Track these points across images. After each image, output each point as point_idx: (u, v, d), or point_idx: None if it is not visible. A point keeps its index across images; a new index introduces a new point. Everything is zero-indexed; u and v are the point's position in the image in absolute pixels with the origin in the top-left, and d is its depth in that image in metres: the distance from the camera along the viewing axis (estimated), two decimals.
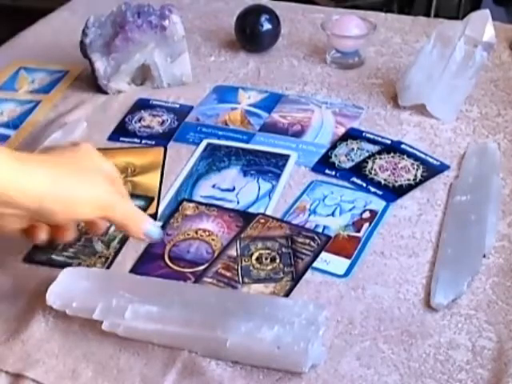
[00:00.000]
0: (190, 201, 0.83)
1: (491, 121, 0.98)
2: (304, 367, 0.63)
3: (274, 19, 1.16)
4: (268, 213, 0.82)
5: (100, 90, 1.07)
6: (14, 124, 1.00)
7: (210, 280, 0.72)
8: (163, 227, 0.79)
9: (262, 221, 0.80)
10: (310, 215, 0.81)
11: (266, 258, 0.74)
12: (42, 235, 0.69)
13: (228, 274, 0.73)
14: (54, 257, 0.77)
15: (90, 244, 0.78)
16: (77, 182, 0.64)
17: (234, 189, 0.86)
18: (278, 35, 1.18)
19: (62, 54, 1.16)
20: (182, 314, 0.66)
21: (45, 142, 0.93)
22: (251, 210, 0.82)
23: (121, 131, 0.98)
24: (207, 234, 0.78)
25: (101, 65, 1.04)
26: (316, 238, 0.77)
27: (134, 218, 0.69)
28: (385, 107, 1.02)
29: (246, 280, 0.72)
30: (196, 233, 0.78)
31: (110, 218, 0.68)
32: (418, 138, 0.95)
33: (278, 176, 0.88)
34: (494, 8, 2.22)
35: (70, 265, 0.75)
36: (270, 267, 0.73)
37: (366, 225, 0.80)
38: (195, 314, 0.66)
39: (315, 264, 0.74)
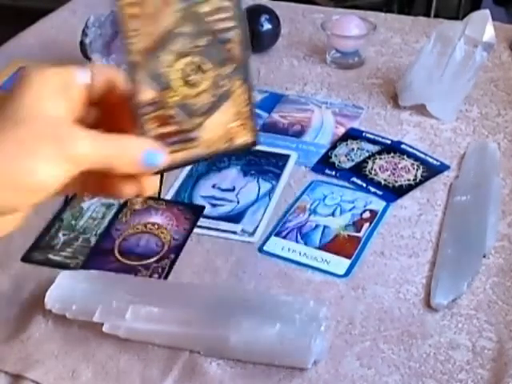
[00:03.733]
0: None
1: (491, 121, 0.98)
2: (307, 363, 0.63)
3: (274, 19, 1.15)
4: (268, 213, 0.82)
5: None
6: None
7: None
8: (111, 224, 0.79)
9: None
10: (310, 215, 0.81)
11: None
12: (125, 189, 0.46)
13: None
14: (51, 257, 0.76)
15: (87, 244, 0.78)
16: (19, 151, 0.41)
17: (234, 189, 0.86)
18: (278, 35, 1.18)
19: (62, 54, 1.16)
20: (183, 314, 0.66)
21: None
22: (251, 209, 0.82)
23: None
24: (156, 227, 0.79)
25: None
26: None
27: (120, 143, 0.44)
28: (385, 107, 1.02)
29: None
30: (145, 226, 0.79)
31: (87, 164, 0.42)
32: (418, 138, 0.95)
33: (277, 176, 0.88)
34: (494, 8, 2.21)
35: (67, 264, 0.75)
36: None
37: (366, 225, 0.80)
38: (196, 313, 0.66)
39: (315, 264, 0.74)
